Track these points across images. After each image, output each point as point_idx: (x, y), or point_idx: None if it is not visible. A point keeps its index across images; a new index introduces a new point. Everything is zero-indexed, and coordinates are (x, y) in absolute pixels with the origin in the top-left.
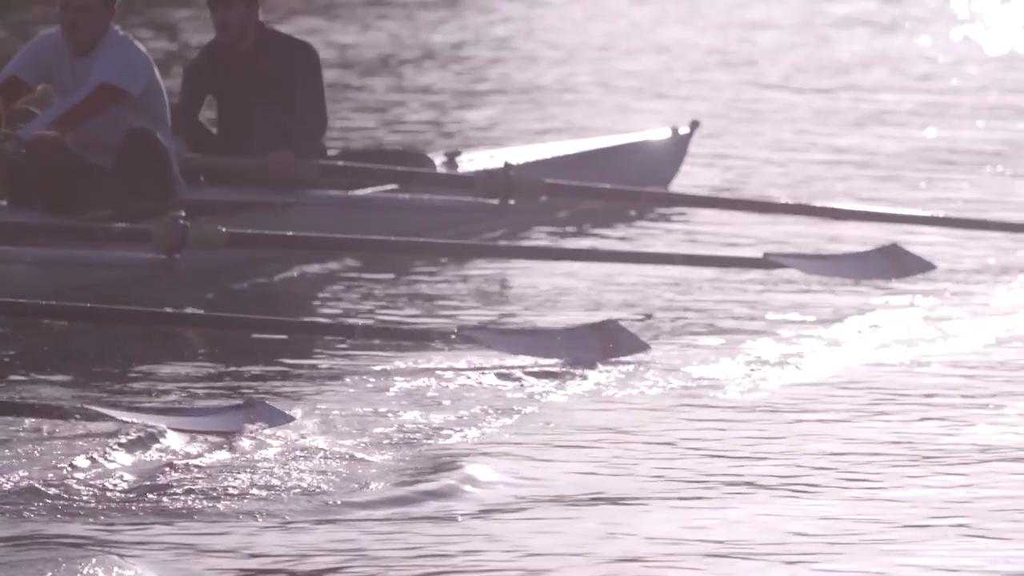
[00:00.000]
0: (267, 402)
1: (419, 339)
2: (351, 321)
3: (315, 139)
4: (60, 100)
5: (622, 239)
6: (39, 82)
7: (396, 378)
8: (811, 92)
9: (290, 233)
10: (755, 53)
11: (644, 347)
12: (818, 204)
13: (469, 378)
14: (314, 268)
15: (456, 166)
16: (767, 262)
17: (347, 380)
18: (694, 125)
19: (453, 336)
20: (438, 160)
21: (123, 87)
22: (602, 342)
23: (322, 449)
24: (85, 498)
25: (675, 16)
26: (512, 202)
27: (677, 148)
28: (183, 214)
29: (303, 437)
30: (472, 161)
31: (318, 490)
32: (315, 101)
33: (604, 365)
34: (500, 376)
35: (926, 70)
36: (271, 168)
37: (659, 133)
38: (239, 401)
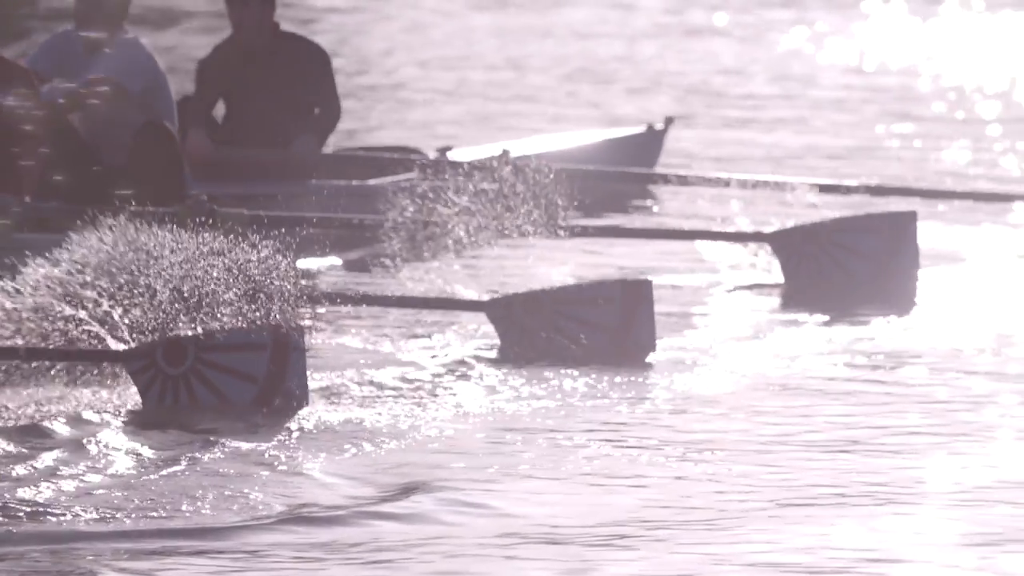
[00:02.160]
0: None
1: (448, 308)
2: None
3: (329, 131)
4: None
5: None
6: (54, 76)
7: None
8: (671, 101)
9: (310, 214)
10: (613, 62)
11: (651, 346)
12: (816, 181)
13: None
14: (325, 260)
15: (447, 160)
16: (771, 237)
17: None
18: (668, 121)
19: (481, 307)
20: (431, 156)
21: (120, 82)
22: (622, 314)
23: (281, 459)
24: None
25: (540, 29)
26: (510, 186)
27: (654, 142)
28: (206, 196)
29: (272, 447)
30: (463, 156)
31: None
32: (328, 96)
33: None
34: (463, 391)
35: (782, 82)
36: (294, 157)
37: (635, 129)
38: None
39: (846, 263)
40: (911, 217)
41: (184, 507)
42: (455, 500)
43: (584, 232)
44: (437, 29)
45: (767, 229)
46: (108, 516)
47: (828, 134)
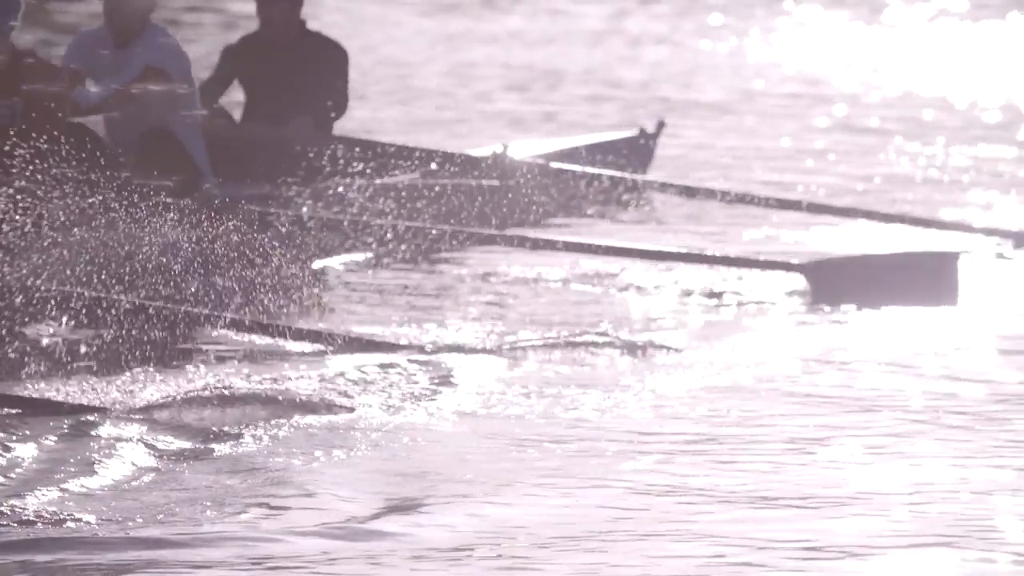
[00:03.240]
0: None
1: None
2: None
3: (330, 119)
4: (97, 86)
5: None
6: (85, 74)
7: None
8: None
9: (321, 214)
10: (556, 69)
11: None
12: (812, 201)
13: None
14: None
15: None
16: (804, 268)
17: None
18: (660, 125)
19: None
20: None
21: (166, 69)
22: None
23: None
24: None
25: (481, 35)
26: (512, 182)
27: (646, 146)
28: (214, 187)
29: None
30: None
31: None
32: (339, 89)
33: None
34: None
35: (724, 88)
36: (291, 135)
37: (627, 132)
38: None
39: (884, 299)
40: (954, 258)
41: (165, 515)
42: (431, 510)
43: (618, 252)
44: (377, 34)
45: (799, 259)
46: (96, 524)
47: (770, 140)
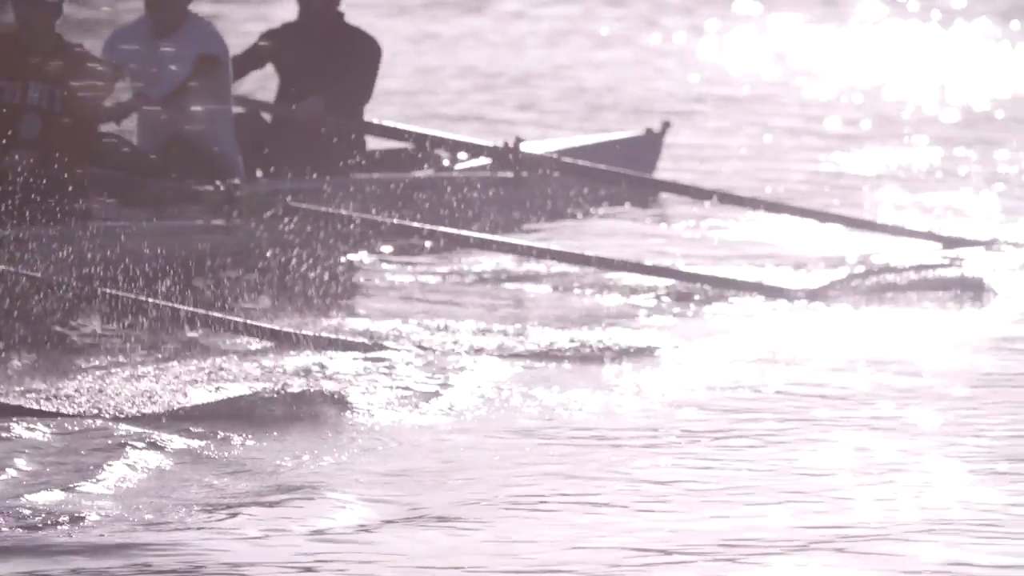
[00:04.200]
0: None
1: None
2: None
3: (358, 105)
4: (135, 80)
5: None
6: (126, 66)
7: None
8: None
9: (342, 211)
10: (521, 72)
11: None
12: (825, 210)
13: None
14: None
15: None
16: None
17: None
18: (665, 125)
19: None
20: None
21: (218, 55)
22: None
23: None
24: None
25: (449, 38)
26: (525, 174)
27: (653, 146)
28: (237, 181)
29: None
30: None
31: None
32: (366, 80)
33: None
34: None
35: (688, 89)
36: (300, 114)
37: (633, 133)
38: None
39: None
40: (980, 284)
41: (158, 518)
42: (428, 512)
43: (625, 267)
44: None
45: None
46: (90, 527)
47: (732, 140)
